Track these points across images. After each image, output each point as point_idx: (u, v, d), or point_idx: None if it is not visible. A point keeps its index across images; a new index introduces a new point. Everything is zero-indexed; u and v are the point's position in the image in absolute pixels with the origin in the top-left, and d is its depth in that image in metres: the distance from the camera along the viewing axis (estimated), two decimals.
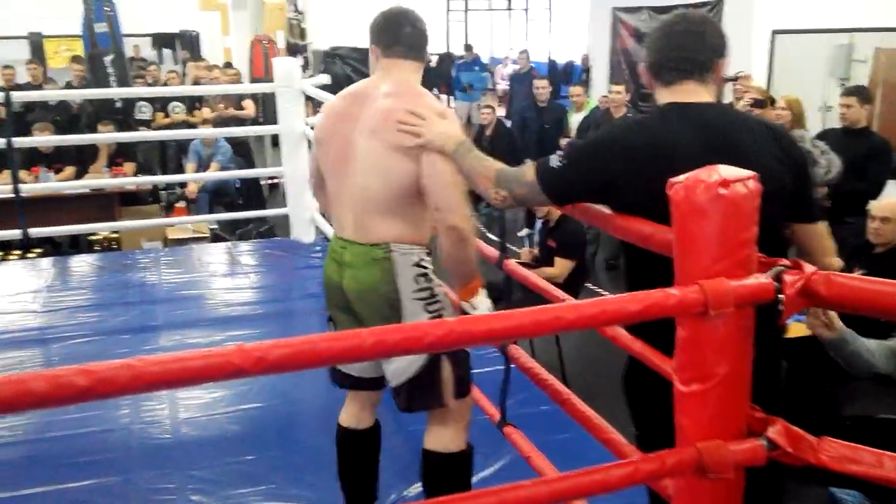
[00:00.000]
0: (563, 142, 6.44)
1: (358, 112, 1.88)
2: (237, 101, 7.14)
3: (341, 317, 2.00)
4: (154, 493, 2.47)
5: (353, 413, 2.16)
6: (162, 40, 12.09)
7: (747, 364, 1.13)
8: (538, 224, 4.44)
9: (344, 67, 4.51)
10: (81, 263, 4.93)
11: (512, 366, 2.23)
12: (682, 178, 1.11)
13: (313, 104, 4.72)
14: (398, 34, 1.93)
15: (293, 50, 8.30)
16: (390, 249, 1.86)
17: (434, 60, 10.47)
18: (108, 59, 6.48)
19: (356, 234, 1.89)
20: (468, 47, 11.33)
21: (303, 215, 4.80)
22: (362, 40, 4.86)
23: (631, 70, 8.05)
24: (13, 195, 4.10)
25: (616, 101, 5.92)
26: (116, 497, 2.46)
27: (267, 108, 7.38)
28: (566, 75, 9.31)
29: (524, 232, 5.10)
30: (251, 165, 6.69)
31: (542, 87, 7.09)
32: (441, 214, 1.81)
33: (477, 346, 2.14)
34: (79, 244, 6.18)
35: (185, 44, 11.58)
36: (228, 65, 8.52)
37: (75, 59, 7.26)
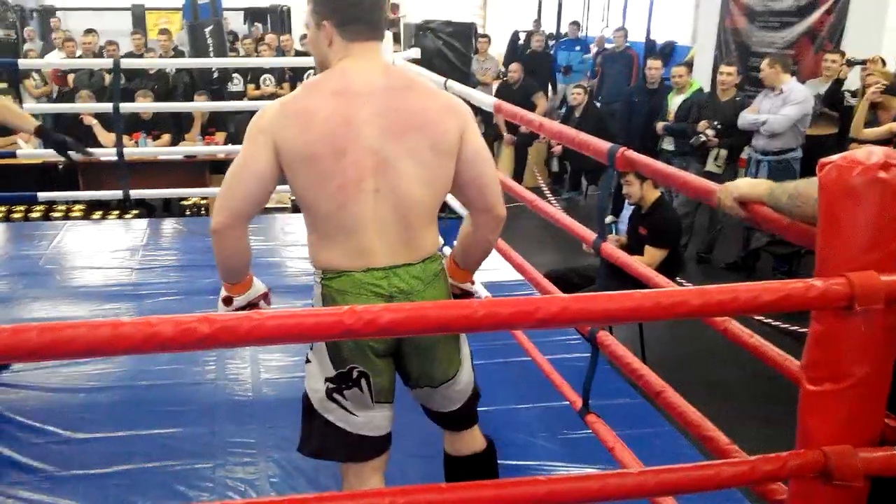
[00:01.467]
0: (660, 126, 6.19)
1: (363, 114, 1.57)
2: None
3: (381, 364, 1.67)
4: (236, 445, 2.56)
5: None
6: (253, 14, 12.33)
7: (888, 367, 1.05)
8: (625, 211, 4.31)
9: (435, 41, 4.46)
10: (173, 226, 5.11)
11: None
12: (835, 157, 1.02)
13: None
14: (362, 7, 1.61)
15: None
16: (441, 258, 1.70)
17: (528, 39, 9.72)
18: (207, 29, 6.65)
19: (406, 254, 1.64)
20: (576, 24, 10.25)
21: None
22: (455, 13, 4.85)
23: (741, 51, 7.63)
24: (116, 158, 4.25)
25: (726, 82, 5.68)
26: (202, 446, 2.55)
27: None
28: (665, 56, 8.77)
29: (609, 219, 4.97)
30: None
31: (654, 69, 6.74)
32: (494, 208, 1.69)
33: (590, 325, 2.09)
34: (170, 208, 6.40)
35: (275, 18, 11.78)
36: None
37: (163, 31, 7.48)
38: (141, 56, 7.51)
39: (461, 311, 1.06)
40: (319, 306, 1.70)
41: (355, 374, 1.65)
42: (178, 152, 6.13)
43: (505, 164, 7.68)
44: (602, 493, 1.10)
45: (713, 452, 1.60)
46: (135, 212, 5.91)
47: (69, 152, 3.26)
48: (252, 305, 1.83)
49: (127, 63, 5.68)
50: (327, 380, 1.67)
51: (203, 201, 6.23)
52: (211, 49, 6.70)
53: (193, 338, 0.95)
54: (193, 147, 6.31)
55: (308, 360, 1.73)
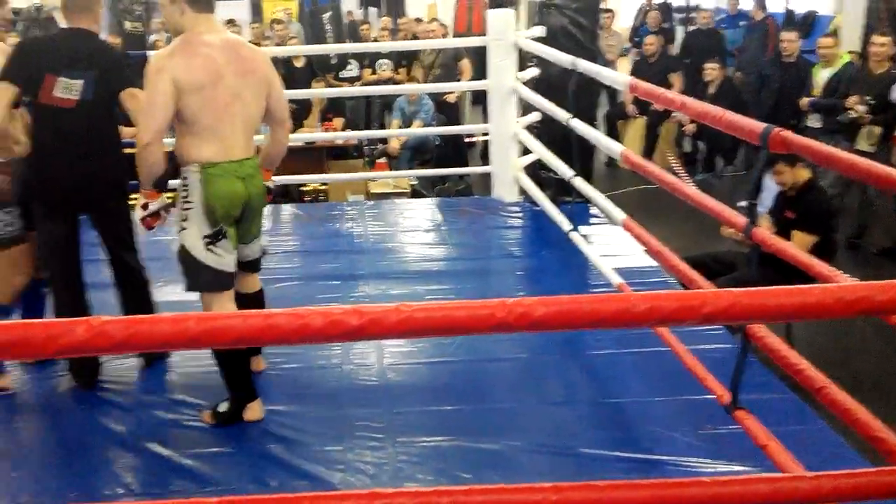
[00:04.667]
0: (805, 102, 5.82)
1: (233, 59, 2.46)
2: (452, 57, 7.07)
3: (230, 230, 2.53)
4: (364, 429, 2.62)
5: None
6: None
7: None
8: (767, 192, 4.03)
9: (560, 18, 4.33)
10: (293, 212, 5.28)
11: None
12: None
13: (522, 58, 4.65)
14: None
15: (497, 2, 8.24)
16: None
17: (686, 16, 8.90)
18: (326, 16, 6.82)
19: (248, 152, 2.53)
20: None
21: (506, 174, 4.78)
22: None
23: (894, 21, 7.04)
24: None
25: (879, 54, 5.27)
26: (329, 427, 2.63)
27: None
28: (806, 27, 8.14)
29: (744, 203, 4.71)
30: (453, 123, 6.76)
31: (789, 41, 6.43)
32: (288, 119, 2.69)
33: (762, 321, 1.99)
34: (289, 194, 6.62)
35: (390, 1, 11.93)
36: (433, 20, 8.63)
37: (275, 21, 7.70)
38: (258, 45, 7.79)
39: (620, 304, 1.01)
40: (196, 189, 2.45)
41: (223, 230, 2.50)
42: (298, 139, 6.32)
43: (633, 144, 7.43)
44: (774, 497, 1.02)
45: (882, 455, 1.47)
46: None
47: None
48: (158, 213, 2.57)
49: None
50: (205, 237, 2.48)
51: (323, 187, 6.41)
52: (329, 35, 6.86)
53: (342, 329, 0.95)
54: (312, 134, 6.49)
55: (184, 228, 2.49)
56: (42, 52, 2.71)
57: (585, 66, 3.30)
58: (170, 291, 3.69)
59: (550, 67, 4.26)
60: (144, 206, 2.53)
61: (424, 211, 5.18)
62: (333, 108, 6.86)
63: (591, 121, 3.72)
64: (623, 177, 6.94)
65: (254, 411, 2.65)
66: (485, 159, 7.39)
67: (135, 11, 9.15)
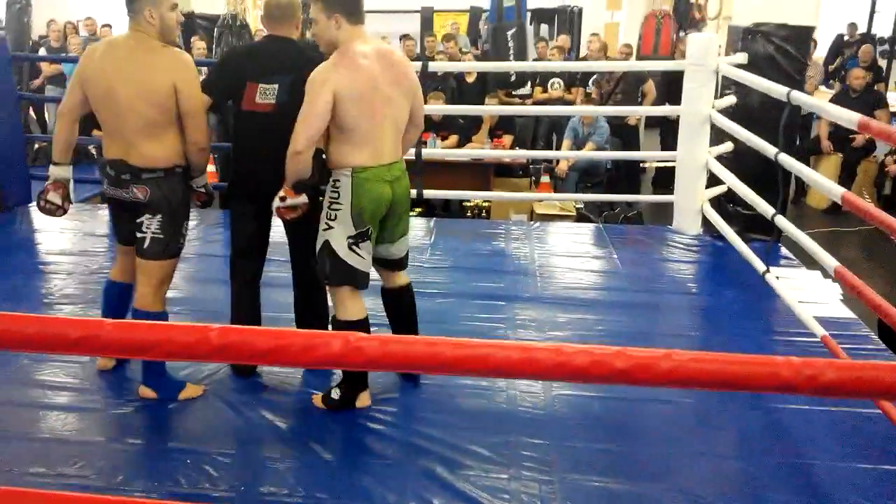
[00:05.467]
0: None
1: (386, 67, 2.62)
2: (636, 79, 6.87)
3: (374, 231, 2.70)
4: (530, 459, 2.54)
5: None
6: (539, 15, 12.52)
7: None
8: None
9: (766, 46, 4.09)
10: (456, 227, 5.29)
11: None
12: None
13: (722, 85, 4.43)
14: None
15: (688, 24, 7.98)
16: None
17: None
18: (510, 32, 6.86)
19: (396, 155, 2.70)
20: (853, 26, 9.23)
21: (691, 205, 4.56)
22: (791, 16, 4.46)
23: None
24: (414, 157, 4.50)
25: None
26: (495, 453, 2.57)
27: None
28: None
29: None
30: (629, 147, 6.58)
31: None
32: (421, 126, 2.89)
33: None
34: (449, 208, 6.68)
35: (563, 19, 11.84)
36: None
37: (446, 37, 7.81)
38: (431, 58, 7.97)
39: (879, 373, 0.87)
40: (347, 192, 2.62)
41: (368, 231, 2.67)
42: (465, 154, 6.39)
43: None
44: None
45: None
46: (417, 209, 6.24)
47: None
48: (295, 207, 2.69)
49: (435, 66, 5.98)
50: (349, 237, 2.65)
51: (485, 204, 6.43)
52: (511, 52, 6.89)
53: (605, 371, 0.88)
54: (481, 150, 6.54)
55: (330, 227, 2.66)
56: (243, 63, 2.88)
57: (802, 98, 3.07)
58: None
59: (750, 97, 4.03)
60: (283, 199, 2.68)
61: (593, 236, 5.04)
62: (503, 124, 6.88)
63: (793, 156, 3.44)
64: (808, 216, 6.48)
65: (364, 400, 2.81)
66: (658, 186, 7.17)
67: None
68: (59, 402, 2.84)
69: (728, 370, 0.88)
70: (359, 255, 2.67)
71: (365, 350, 0.89)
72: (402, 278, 2.97)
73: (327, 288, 2.80)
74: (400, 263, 2.91)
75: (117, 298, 3.02)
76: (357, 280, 2.71)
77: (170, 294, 3.84)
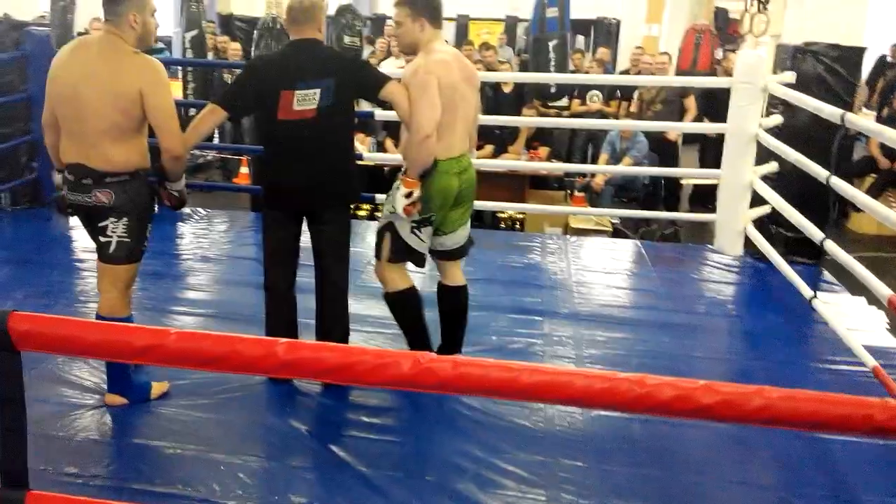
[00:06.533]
0: None
1: (460, 66, 2.90)
2: (678, 94, 6.78)
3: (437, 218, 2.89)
4: (569, 482, 2.50)
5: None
6: (577, 27, 12.46)
7: None
8: None
9: (816, 66, 4.03)
10: (490, 239, 5.23)
11: None
12: None
13: (768, 104, 4.37)
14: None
15: (728, 39, 7.90)
16: None
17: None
18: (552, 43, 6.83)
19: (463, 148, 2.91)
20: None
21: (734, 225, 4.49)
22: (840, 36, 4.40)
23: None
24: None
25: None
26: (533, 474, 2.54)
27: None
28: None
29: None
30: (668, 163, 6.50)
31: None
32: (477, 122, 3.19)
33: None
34: (482, 218, 6.62)
35: (601, 31, 11.79)
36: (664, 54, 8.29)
37: (486, 46, 7.80)
38: None
39: None
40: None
41: (432, 219, 2.87)
42: (500, 165, 6.34)
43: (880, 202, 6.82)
44: None
45: None
46: None
47: None
48: (415, 200, 2.79)
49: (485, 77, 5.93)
50: (412, 221, 2.84)
51: (519, 216, 6.38)
52: (552, 64, 6.86)
53: (691, 406, 0.85)
54: (517, 161, 6.50)
55: (395, 211, 2.81)
56: (272, 72, 2.80)
57: (856, 121, 3.01)
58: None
59: (797, 116, 3.96)
60: (408, 195, 2.79)
61: (631, 253, 4.99)
62: (540, 136, 6.84)
63: (845, 178, 3.38)
64: (850, 241, 6.35)
65: None
66: (695, 204, 7.07)
67: (355, 27, 9.69)
68: (92, 403, 2.84)
69: (823, 410, 0.85)
70: (419, 237, 2.88)
71: (436, 371, 0.87)
72: (459, 275, 3.11)
73: (376, 267, 2.99)
74: (460, 252, 3.07)
75: None
76: (414, 259, 2.93)
77: (200, 296, 3.93)
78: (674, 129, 6.50)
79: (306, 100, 2.73)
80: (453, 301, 3.12)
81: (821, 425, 0.85)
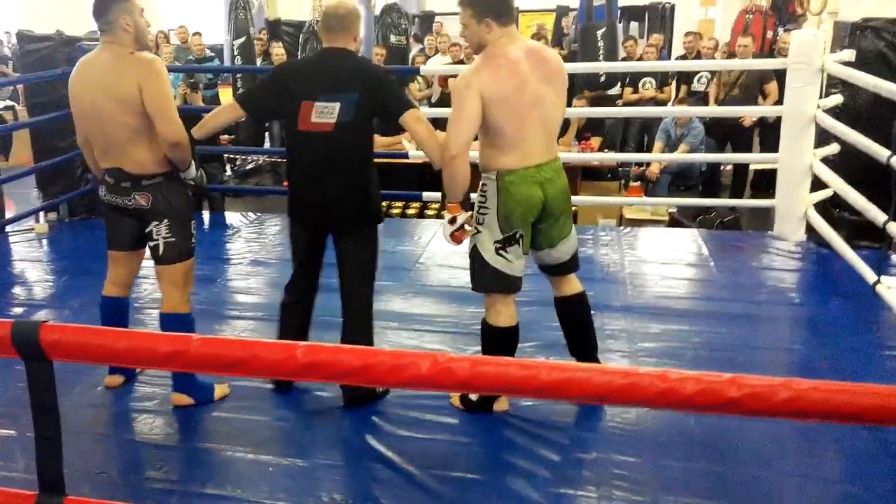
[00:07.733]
0: None
1: (537, 64, 2.60)
2: (758, 79, 6.58)
3: (530, 229, 2.66)
4: (622, 478, 2.47)
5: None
6: (629, 13, 12.23)
7: None
8: None
9: (877, 42, 3.86)
10: None
11: None
12: None
13: (827, 84, 4.22)
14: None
15: (782, 20, 7.64)
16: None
17: None
18: (600, 32, 6.73)
19: (547, 155, 2.64)
20: None
21: (794, 210, 4.36)
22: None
23: None
24: None
25: None
26: (587, 469, 2.53)
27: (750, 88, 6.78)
28: None
29: None
30: (739, 150, 6.32)
31: None
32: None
33: None
34: None
35: (654, 16, 11.54)
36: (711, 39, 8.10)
37: (539, 37, 7.73)
38: None
39: None
40: (493, 196, 2.62)
41: (517, 236, 2.64)
42: None
43: None
44: None
45: None
46: None
47: None
48: (464, 226, 2.67)
49: None
50: (496, 241, 2.64)
51: (572, 208, 6.33)
52: (601, 52, 6.76)
53: (716, 400, 0.83)
54: (567, 153, 6.43)
55: (478, 232, 2.68)
56: (296, 80, 2.73)
57: None
58: (405, 304, 3.85)
59: (858, 96, 3.81)
60: (452, 221, 2.66)
61: (688, 243, 4.89)
62: (591, 126, 6.75)
63: None
64: None
65: (501, 403, 2.85)
66: (756, 189, 6.88)
67: (401, 26, 9.74)
68: (146, 406, 2.94)
69: (860, 402, 0.82)
70: (506, 258, 2.65)
71: (455, 371, 0.87)
72: (571, 285, 2.90)
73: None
74: (566, 267, 2.84)
75: (115, 315, 3.00)
76: (505, 285, 2.69)
77: (252, 299, 4.01)
78: (735, 115, 6.31)
79: (325, 112, 2.66)
80: (572, 309, 2.93)
81: (852, 416, 0.82)
